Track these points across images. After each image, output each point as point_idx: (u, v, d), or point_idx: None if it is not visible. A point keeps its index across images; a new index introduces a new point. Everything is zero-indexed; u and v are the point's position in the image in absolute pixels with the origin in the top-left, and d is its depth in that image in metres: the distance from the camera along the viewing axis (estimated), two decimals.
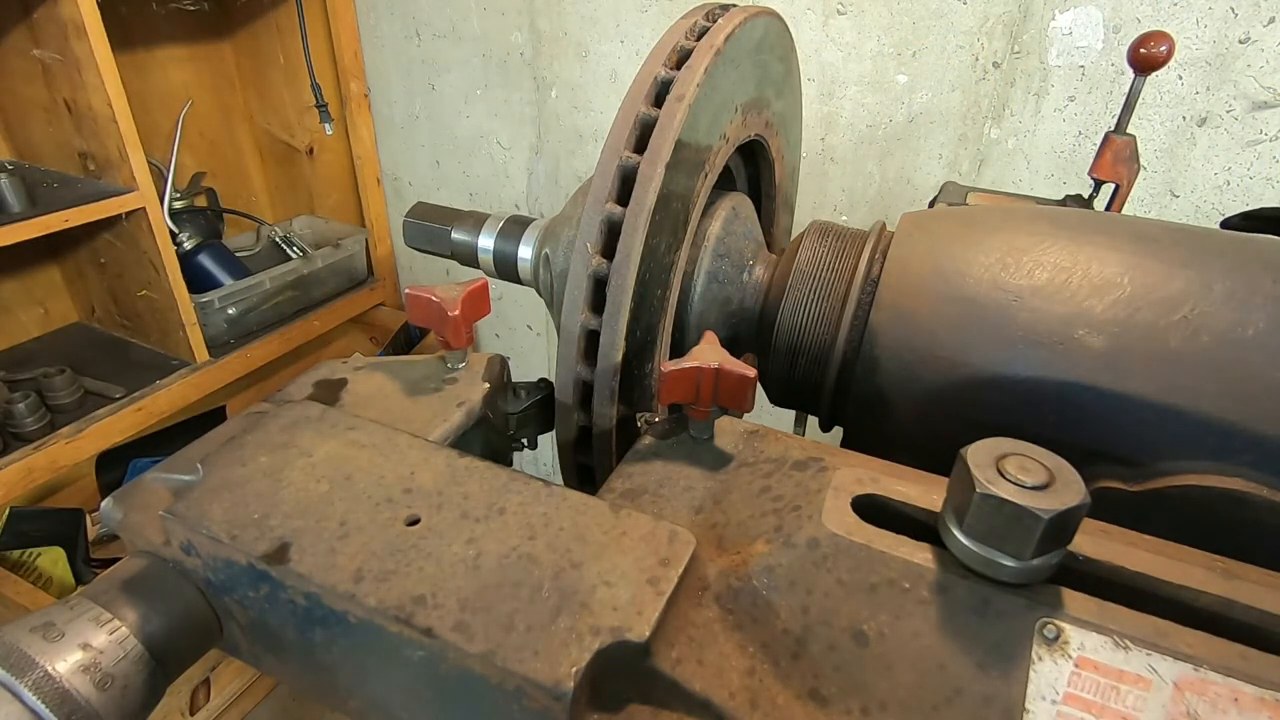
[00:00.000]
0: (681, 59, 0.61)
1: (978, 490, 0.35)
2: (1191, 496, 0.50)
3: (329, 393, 0.58)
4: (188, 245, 1.69)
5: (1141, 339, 0.52)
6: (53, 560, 1.50)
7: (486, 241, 0.77)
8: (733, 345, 0.73)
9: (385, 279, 2.07)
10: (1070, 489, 0.35)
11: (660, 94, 0.60)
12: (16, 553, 1.47)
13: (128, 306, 1.60)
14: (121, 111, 1.31)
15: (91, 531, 1.68)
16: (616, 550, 0.40)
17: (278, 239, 1.90)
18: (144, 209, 1.39)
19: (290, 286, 1.79)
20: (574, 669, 0.34)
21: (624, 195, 0.57)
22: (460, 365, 0.61)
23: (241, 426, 0.52)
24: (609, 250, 0.57)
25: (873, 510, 0.42)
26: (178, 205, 1.73)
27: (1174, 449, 0.51)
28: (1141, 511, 0.51)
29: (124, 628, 0.39)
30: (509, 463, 0.61)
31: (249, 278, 1.69)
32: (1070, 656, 0.35)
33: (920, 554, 0.39)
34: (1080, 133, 1.24)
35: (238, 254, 1.79)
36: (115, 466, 1.74)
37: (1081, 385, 0.53)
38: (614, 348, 0.57)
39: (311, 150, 1.99)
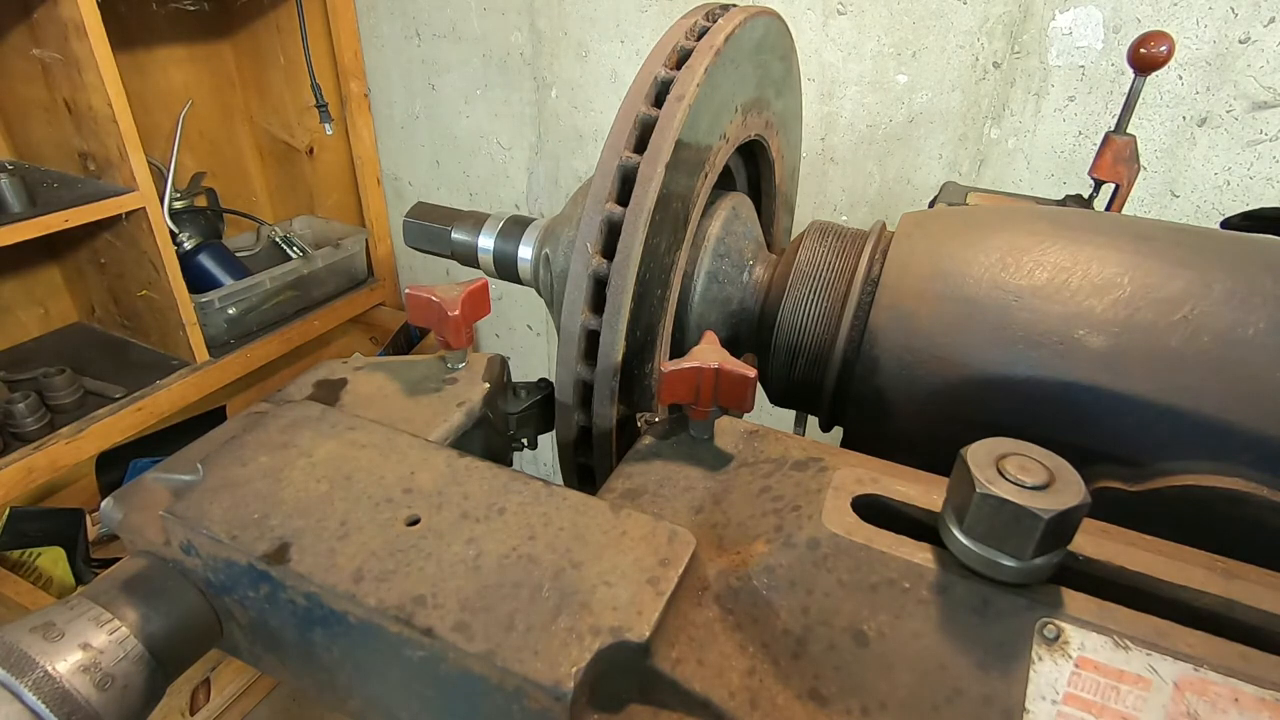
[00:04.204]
0: (681, 59, 0.61)
1: (978, 490, 0.35)
2: (1191, 496, 0.50)
3: (329, 393, 0.58)
4: (188, 245, 1.69)
5: (1141, 339, 0.52)
6: (53, 560, 1.50)
7: (486, 241, 0.77)
8: (733, 345, 0.73)
9: (385, 279, 2.07)
10: (1070, 489, 0.35)
11: (660, 94, 0.60)
12: (16, 553, 1.47)
13: (128, 306, 1.60)
14: (121, 111, 1.31)
15: (91, 531, 1.68)
16: (616, 550, 0.40)
17: (278, 239, 1.90)
18: (144, 209, 1.39)
19: (290, 286, 1.79)
20: (574, 669, 0.34)
21: (624, 195, 0.57)
22: (460, 365, 0.61)
23: (241, 426, 0.52)
24: (609, 250, 0.57)
25: (873, 510, 0.42)
26: (178, 205, 1.72)
27: (1174, 449, 0.51)
28: (1141, 511, 0.51)
29: (124, 628, 0.39)
30: (509, 463, 0.61)
31: (249, 278, 1.69)
32: (1070, 656, 0.35)
33: (920, 554, 0.39)
34: (1080, 133, 1.24)
35: (238, 254, 1.79)
36: (115, 466, 1.74)
37: (1081, 385, 0.53)
38: (614, 348, 0.57)
39: (311, 150, 1.99)
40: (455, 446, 0.55)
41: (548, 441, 1.74)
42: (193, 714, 1.51)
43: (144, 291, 1.52)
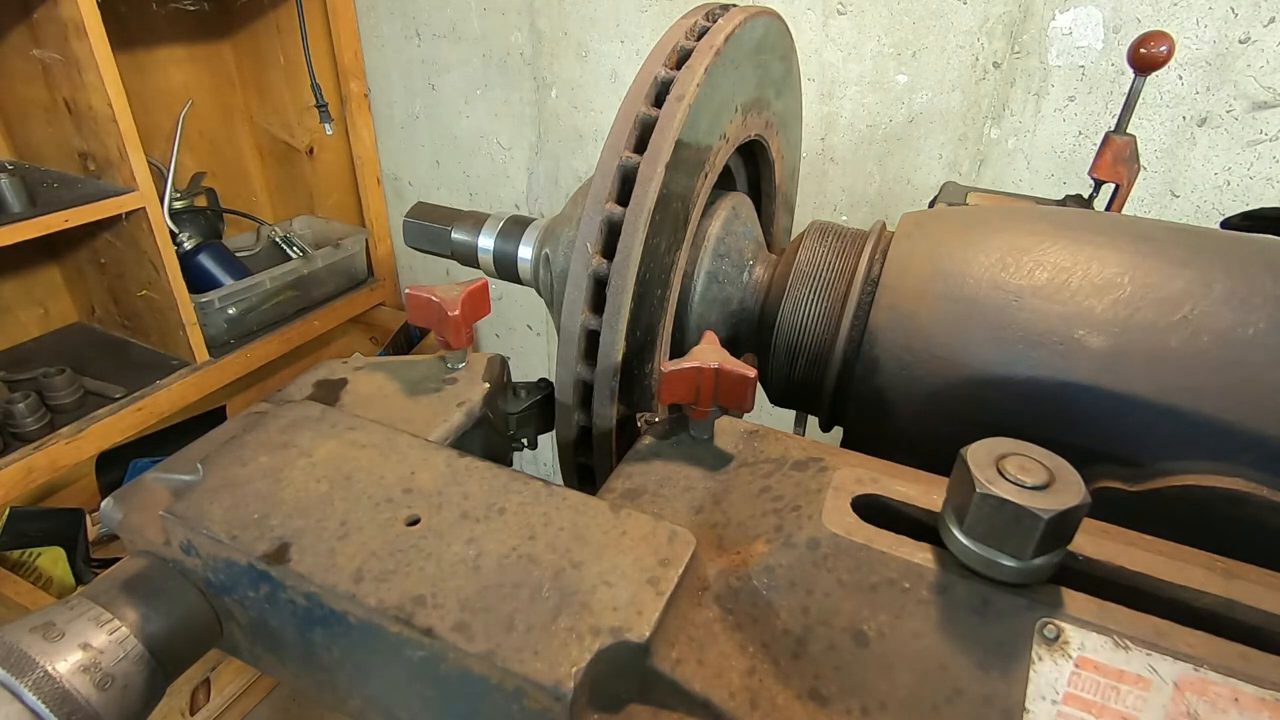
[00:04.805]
0: (681, 59, 0.61)
1: (978, 490, 0.35)
2: (1191, 496, 0.50)
3: (329, 393, 0.58)
4: (188, 245, 1.69)
5: (1141, 339, 0.52)
6: (53, 560, 1.50)
7: (486, 241, 0.77)
8: (733, 345, 0.73)
9: (385, 279, 2.07)
10: (1070, 489, 0.35)
11: (660, 94, 0.60)
12: (16, 553, 1.47)
13: (128, 306, 1.60)
14: (121, 111, 1.31)
15: (91, 531, 1.68)
16: (616, 550, 0.40)
17: (278, 239, 1.90)
18: (144, 209, 1.39)
19: (290, 286, 1.79)
20: (574, 669, 0.34)
21: (624, 195, 0.57)
22: (460, 365, 0.61)
23: (241, 426, 0.52)
24: (609, 250, 0.57)
25: (873, 510, 0.42)
26: (178, 205, 1.72)
27: (1174, 449, 0.51)
28: (1141, 511, 0.51)
29: (124, 628, 0.39)
30: (509, 463, 0.61)
31: (249, 278, 1.69)
32: (1070, 656, 0.35)
33: (920, 554, 0.39)
34: (1080, 133, 1.24)
35: (238, 254, 1.79)
36: (115, 466, 1.74)
37: (1081, 385, 0.53)
38: (614, 348, 0.57)
39: (311, 150, 1.99)
40: (455, 446, 0.55)
41: (548, 441, 1.74)
42: (193, 714, 1.51)
43: (144, 291, 1.52)
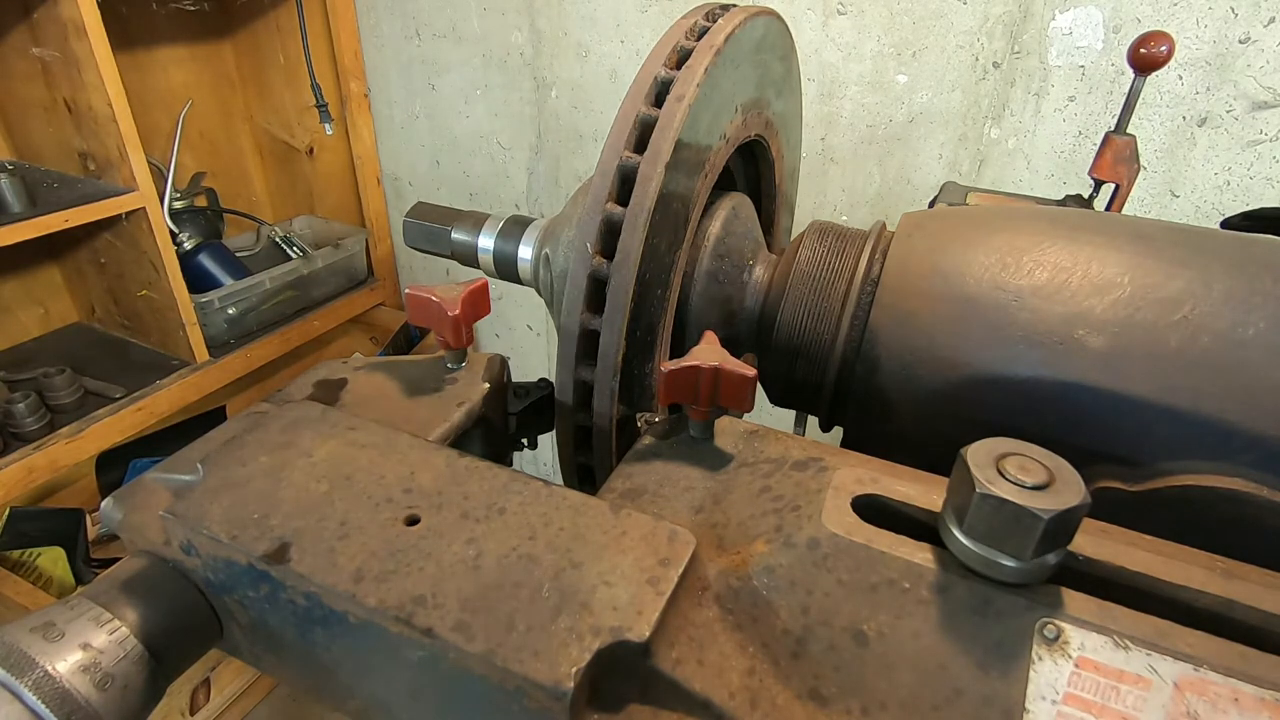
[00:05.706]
0: (681, 59, 0.61)
1: (978, 490, 0.35)
2: (1191, 496, 0.50)
3: (329, 393, 0.58)
4: (188, 245, 1.69)
5: (1141, 339, 0.52)
6: (53, 560, 1.50)
7: (486, 241, 0.77)
8: (732, 345, 0.73)
9: (385, 279, 2.07)
10: (1070, 489, 0.35)
11: (660, 94, 0.60)
12: (16, 553, 1.47)
13: (128, 306, 1.60)
14: (121, 111, 1.31)
15: (91, 531, 1.68)
16: (616, 550, 0.40)
17: (278, 239, 1.90)
18: (144, 209, 1.39)
19: (290, 286, 1.79)
20: (574, 669, 0.34)
21: (624, 195, 0.57)
22: (460, 365, 0.61)
23: (241, 426, 0.52)
24: (609, 250, 0.57)
25: (873, 510, 0.42)
26: (178, 205, 1.73)
27: (1174, 449, 0.51)
28: (1141, 511, 0.51)
29: (124, 628, 0.39)
30: (509, 463, 0.61)
31: (249, 278, 1.69)
32: (1070, 656, 0.35)
33: (920, 554, 0.39)
34: (1080, 133, 1.24)
35: (238, 254, 1.79)
36: (115, 466, 1.74)
37: (1081, 385, 0.53)
38: (614, 348, 0.57)
39: (311, 150, 1.99)
40: (455, 446, 0.55)
41: (548, 441, 1.74)
42: (193, 714, 1.51)
43: (144, 291, 1.52)
